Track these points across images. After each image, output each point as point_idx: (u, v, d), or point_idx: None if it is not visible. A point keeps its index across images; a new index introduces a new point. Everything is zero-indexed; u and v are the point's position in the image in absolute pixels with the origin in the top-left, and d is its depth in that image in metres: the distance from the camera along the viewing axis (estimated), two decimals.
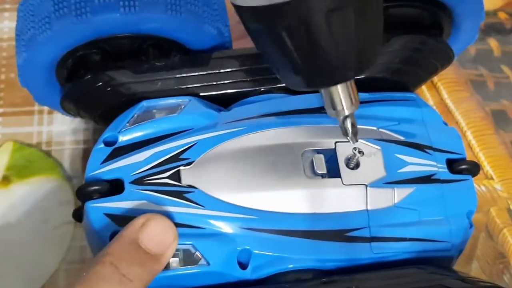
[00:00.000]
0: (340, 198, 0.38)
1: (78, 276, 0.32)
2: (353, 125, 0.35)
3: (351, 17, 0.29)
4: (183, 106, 0.40)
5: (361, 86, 0.35)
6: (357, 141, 0.35)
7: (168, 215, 0.35)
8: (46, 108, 0.51)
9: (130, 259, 0.32)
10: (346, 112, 0.34)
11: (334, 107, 0.34)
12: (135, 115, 0.39)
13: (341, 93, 0.33)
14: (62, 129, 0.51)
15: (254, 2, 0.30)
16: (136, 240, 0.33)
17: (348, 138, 0.35)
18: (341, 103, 0.33)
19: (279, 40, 0.30)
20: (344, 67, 0.32)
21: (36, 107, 0.52)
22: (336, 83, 0.33)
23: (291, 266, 0.37)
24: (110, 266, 0.32)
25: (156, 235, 0.34)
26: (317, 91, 0.35)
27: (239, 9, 0.31)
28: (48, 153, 0.50)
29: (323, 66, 0.31)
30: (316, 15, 0.29)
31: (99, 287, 0.31)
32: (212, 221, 0.36)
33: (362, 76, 0.41)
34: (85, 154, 0.49)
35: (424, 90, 0.54)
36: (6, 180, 0.48)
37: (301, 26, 0.29)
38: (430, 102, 0.54)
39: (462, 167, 0.40)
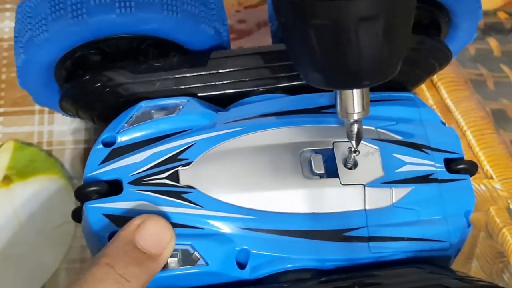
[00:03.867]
0: (338, 198, 0.38)
1: (75, 278, 0.32)
2: (359, 131, 0.36)
3: (380, 28, 0.30)
4: (181, 107, 0.40)
5: None
6: (357, 146, 0.36)
7: (167, 216, 0.36)
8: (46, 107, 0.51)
9: (127, 260, 0.33)
10: (356, 117, 0.35)
11: (346, 110, 0.35)
12: (134, 116, 0.39)
13: (355, 98, 0.34)
14: (63, 128, 0.51)
15: None
16: (133, 241, 0.33)
17: (352, 142, 0.36)
18: (353, 107, 0.34)
19: (307, 36, 0.31)
20: (364, 74, 0.32)
21: (37, 107, 0.52)
22: (352, 88, 0.34)
23: (289, 266, 0.37)
24: (107, 267, 0.32)
25: (152, 235, 0.34)
26: (327, 91, 0.36)
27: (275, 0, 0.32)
28: (49, 153, 0.50)
29: (344, 69, 0.32)
30: (347, 20, 0.30)
31: (95, 287, 0.31)
32: (211, 221, 0.36)
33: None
34: (86, 154, 0.49)
35: (424, 90, 0.54)
36: (7, 179, 0.49)
37: (330, 27, 0.30)
38: (430, 101, 0.54)
39: (460, 166, 0.40)
